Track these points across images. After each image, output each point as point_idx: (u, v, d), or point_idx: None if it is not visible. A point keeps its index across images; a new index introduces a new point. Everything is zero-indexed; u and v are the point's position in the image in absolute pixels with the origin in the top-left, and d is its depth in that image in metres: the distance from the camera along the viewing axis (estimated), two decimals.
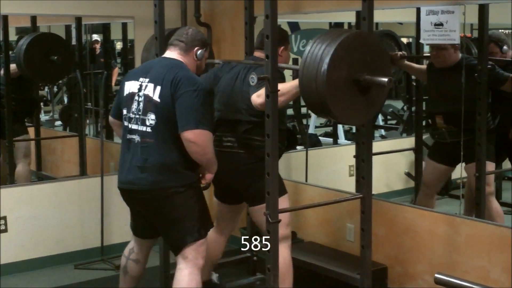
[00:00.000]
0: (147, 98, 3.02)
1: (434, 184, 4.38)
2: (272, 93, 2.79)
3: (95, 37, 6.57)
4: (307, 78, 2.67)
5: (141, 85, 3.07)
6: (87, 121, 5.98)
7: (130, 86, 3.12)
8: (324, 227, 4.25)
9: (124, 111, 3.12)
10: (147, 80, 3.06)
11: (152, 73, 3.08)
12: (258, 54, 3.44)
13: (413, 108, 5.84)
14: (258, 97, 3.09)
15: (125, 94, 3.14)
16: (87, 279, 4.23)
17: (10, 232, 4.42)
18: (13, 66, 4.95)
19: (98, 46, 6.73)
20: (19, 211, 4.47)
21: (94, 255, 4.65)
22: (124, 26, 5.86)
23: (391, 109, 7.55)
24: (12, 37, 5.84)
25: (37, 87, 5.82)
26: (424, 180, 4.49)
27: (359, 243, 3.28)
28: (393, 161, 5.45)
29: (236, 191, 3.39)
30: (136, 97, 3.06)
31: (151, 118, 2.99)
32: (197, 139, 2.94)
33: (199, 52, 3.16)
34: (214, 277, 3.66)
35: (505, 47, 4.20)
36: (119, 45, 7.21)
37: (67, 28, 5.84)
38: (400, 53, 4.60)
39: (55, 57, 4.82)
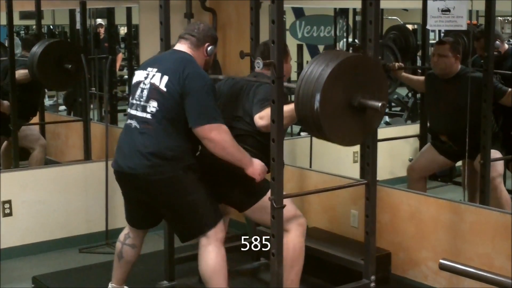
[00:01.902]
0: (153, 86, 3.03)
1: (424, 170, 4.41)
2: (277, 79, 2.79)
3: (99, 21, 6.55)
4: (303, 103, 2.70)
5: (148, 74, 3.09)
6: (92, 106, 5.98)
7: (138, 75, 3.15)
8: (328, 213, 4.25)
9: (130, 99, 3.15)
10: (155, 70, 3.07)
11: (160, 63, 3.10)
12: (259, 70, 3.43)
13: (418, 95, 5.85)
14: (261, 119, 3.10)
15: (133, 83, 3.17)
16: (92, 263, 4.25)
17: (15, 216, 4.45)
18: (25, 71, 4.97)
19: (102, 30, 6.72)
20: (24, 195, 4.48)
21: (98, 239, 4.67)
22: (129, 10, 5.85)
23: (395, 96, 7.53)
24: (16, 21, 5.83)
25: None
26: (414, 165, 4.49)
27: (363, 229, 3.29)
28: (398, 148, 5.45)
29: (223, 192, 3.32)
30: (142, 85, 3.08)
31: (152, 106, 2.99)
32: (211, 135, 2.94)
33: (209, 48, 3.16)
34: None
35: (497, 42, 4.18)
36: (123, 31, 7.20)
37: (71, 13, 5.83)
38: (398, 64, 4.65)
39: (69, 66, 4.83)
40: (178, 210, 3.10)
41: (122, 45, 7.23)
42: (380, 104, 2.71)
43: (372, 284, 3.29)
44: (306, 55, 6.90)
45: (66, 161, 5.58)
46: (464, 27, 3.66)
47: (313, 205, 4.32)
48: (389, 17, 6.73)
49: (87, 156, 5.13)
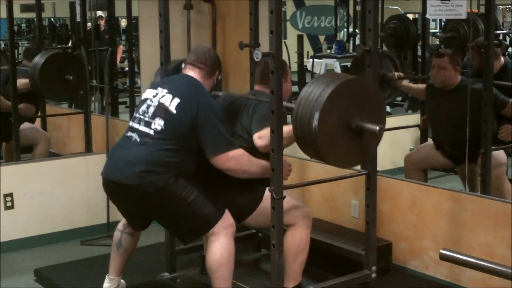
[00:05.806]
0: (161, 105, 3.05)
1: (421, 163, 4.44)
2: (277, 69, 2.78)
3: (100, 13, 6.54)
4: (301, 122, 2.72)
5: (157, 93, 3.13)
6: (92, 98, 5.98)
7: (147, 93, 3.20)
8: (329, 203, 4.25)
9: (134, 113, 3.18)
10: (165, 90, 3.11)
11: (171, 85, 3.15)
12: (258, 88, 3.43)
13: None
14: (259, 139, 3.11)
15: (140, 100, 3.22)
16: (94, 255, 4.26)
17: (17, 209, 4.45)
18: (26, 81, 4.96)
19: (102, 22, 6.70)
20: (25, 188, 4.49)
21: (100, 231, 4.67)
22: (129, 2, 5.83)
23: None
24: (17, 14, 5.82)
25: None
26: (412, 157, 4.50)
27: (364, 220, 3.29)
28: (399, 137, 5.43)
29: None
30: (149, 102, 3.12)
31: (158, 123, 3.01)
32: (229, 164, 3.02)
33: (219, 77, 3.31)
34: None
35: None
36: (123, 22, 7.19)
37: (72, 5, 5.82)
38: (397, 73, 4.66)
39: (71, 77, 4.87)
40: (176, 217, 3.10)
41: (123, 37, 7.22)
42: (378, 128, 2.73)
43: (373, 275, 3.30)
44: (307, 46, 6.88)
45: (68, 153, 5.59)
46: (464, 16, 3.65)
47: (314, 196, 4.32)
48: (390, 7, 6.71)
49: (88, 148, 5.14)
